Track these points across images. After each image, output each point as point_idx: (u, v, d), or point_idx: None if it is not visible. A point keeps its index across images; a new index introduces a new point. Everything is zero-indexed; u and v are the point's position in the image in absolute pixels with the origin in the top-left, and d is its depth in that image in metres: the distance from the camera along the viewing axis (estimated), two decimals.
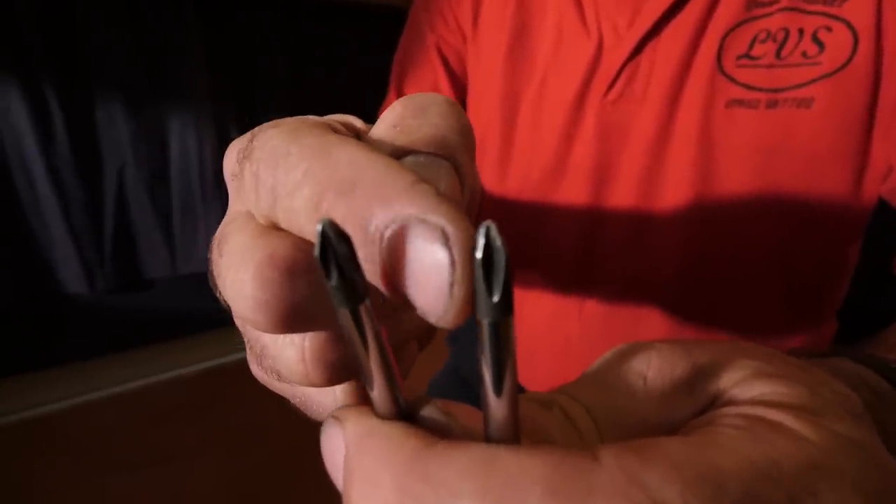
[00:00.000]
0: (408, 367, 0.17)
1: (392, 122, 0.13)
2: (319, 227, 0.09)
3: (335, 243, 0.09)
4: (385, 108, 0.55)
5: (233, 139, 0.14)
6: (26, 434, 0.81)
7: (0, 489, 0.79)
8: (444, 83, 0.52)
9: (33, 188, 0.84)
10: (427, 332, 0.18)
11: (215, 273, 0.13)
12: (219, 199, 0.97)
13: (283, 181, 0.12)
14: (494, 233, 0.09)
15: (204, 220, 0.96)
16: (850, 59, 0.35)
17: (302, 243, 0.12)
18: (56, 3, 0.82)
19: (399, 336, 0.14)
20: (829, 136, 0.36)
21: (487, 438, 0.11)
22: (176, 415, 0.93)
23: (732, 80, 0.38)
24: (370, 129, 0.15)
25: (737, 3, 0.38)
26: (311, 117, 0.14)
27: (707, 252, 0.42)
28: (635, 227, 0.44)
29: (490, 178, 0.50)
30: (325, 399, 0.15)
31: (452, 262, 0.10)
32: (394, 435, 0.11)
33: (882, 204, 0.39)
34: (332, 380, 0.13)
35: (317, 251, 0.09)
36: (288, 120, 0.13)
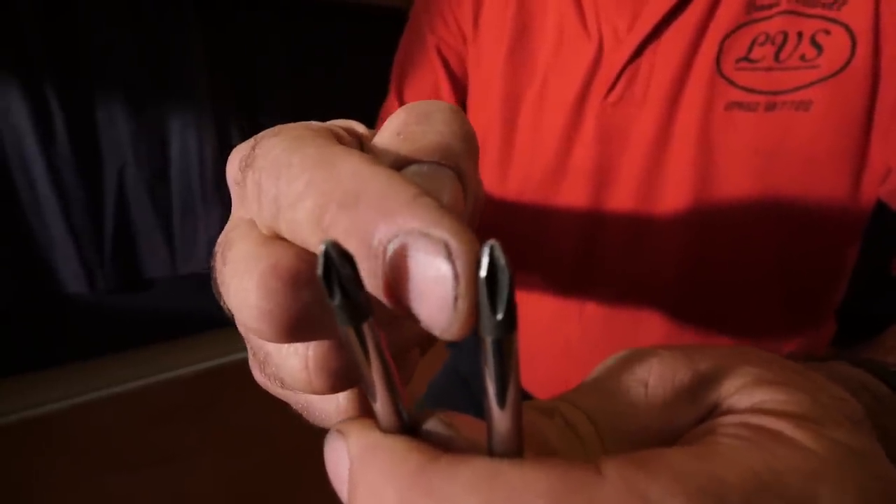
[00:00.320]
0: (410, 374, 0.17)
1: (396, 129, 0.13)
2: (323, 248, 0.10)
3: (338, 263, 0.10)
4: (385, 110, 0.56)
5: (233, 139, 0.14)
6: (26, 434, 0.81)
7: (0, 489, 0.79)
8: (444, 85, 0.52)
9: (34, 188, 0.84)
10: (429, 338, 0.17)
11: (218, 281, 0.13)
12: (219, 199, 0.97)
13: (285, 192, 0.12)
14: (498, 252, 0.09)
15: (204, 220, 0.96)
16: (848, 62, 0.35)
17: (305, 254, 0.12)
18: (57, 3, 0.82)
19: (401, 343, 0.14)
20: (827, 139, 0.36)
21: (491, 450, 0.11)
22: (176, 415, 0.93)
23: (731, 82, 0.38)
24: (373, 134, 0.15)
25: (736, 6, 0.38)
26: (314, 123, 0.14)
27: (706, 254, 0.42)
28: (635, 229, 0.44)
29: (490, 179, 0.50)
30: (327, 406, 0.15)
31: (456, 276, 0.10)
32: (397, 449, 0.11)
33: (880, 206, 0.40)
34: (335, 387, 0.13)
35: (320, 271, 0.10)
36: (290, 126, 0.13)
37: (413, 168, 0.12)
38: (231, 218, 0.15)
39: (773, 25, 0.37)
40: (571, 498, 0.09)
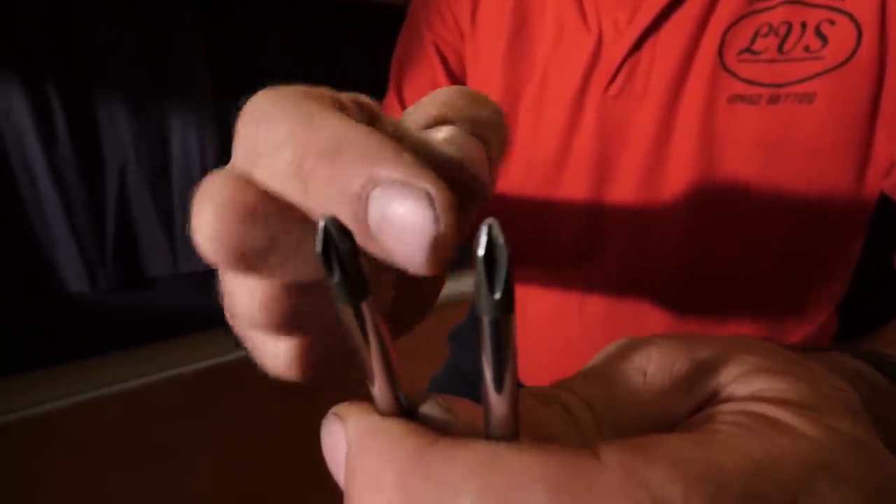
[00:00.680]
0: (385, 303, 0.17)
1: (444, 98, 0.14)
2: (322, 224, 0.09)
3: (337, 239, 0.09)
4: (385, 106, 0.56)
5: (233, 139, 0.15)
6: (27, 432, 0.81)
7: (1, 487, 0.79)
8: (442, 81, 0.52)
9: (35, 187, 0.84)
10: (419, 308, 0.18)
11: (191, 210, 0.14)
12: None
13: (264, 140, 0.12)
14: (497, 231, 0.09)
15: None
16: (853, 54, 0.34)
17: (269, 198, 0.12)
18: (58, 2, 0.83)
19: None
20: (831, 132, 0.36)
21: (488, 435, 0.11)
22: (177, 413, 0.93)
23: (734, 75, 0.38)
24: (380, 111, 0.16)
25: None
26: (318, 89, 0.14)
27: (708, 248, 0.42)
28: (636, 223, 0.44)
29: None
30: (269, 349, 0.15)
31: (436, 219, 0.10)
32: (395, 432, 0.11)
33: (884, 199, 0.39)
34: (278, 328, 0.13)
35: (319, 247, 0.09)
36: (288, 87, 0.14)
37: (447, 128, 0.13)
38: None
39: (777, 16, 0.36)
40: (570, 483, 0.09)
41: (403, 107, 0.54)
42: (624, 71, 0.41)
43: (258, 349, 0.15)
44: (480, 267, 0.09)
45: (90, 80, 0.87)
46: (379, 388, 0.12)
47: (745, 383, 0.13)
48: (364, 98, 0.16)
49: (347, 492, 0.11)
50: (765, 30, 0.37)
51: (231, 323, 0.16)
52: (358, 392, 0.14)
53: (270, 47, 1.02)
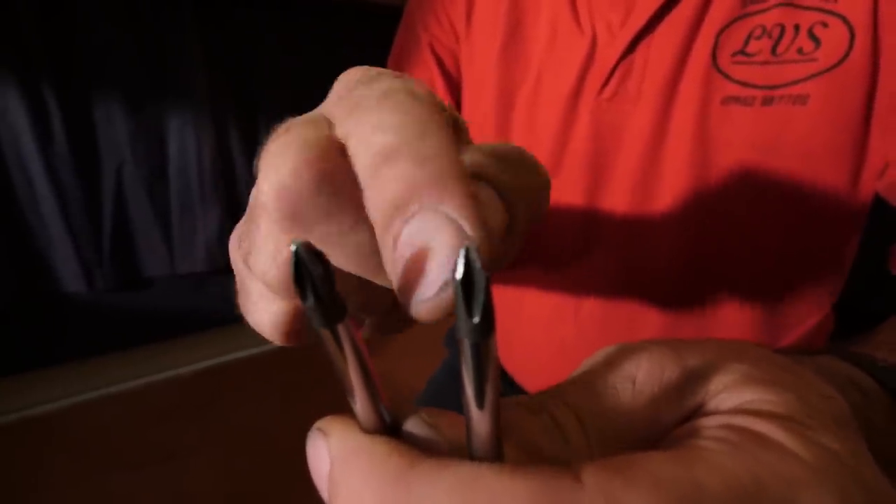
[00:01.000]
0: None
1: (492, 154, 0.15)
2: (293, 248, 0.09)
3: (310, 264, 0.09)
4: None
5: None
6: (25, 433, 0.81)
7: (0, 487, 0.79)
8: (438, 82, 0.52)
9: (32, 187, 0.84)
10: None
11: (264, 152, 0.14)
12: (217, 198, 0.97)
13: (375, 118, 0.12)
14: (474, 255, 0.09)
15: (202, 219, 0.96)
16: (846, 55, 0.34)
17: (345, 173, 0.12)
18: (55, 2, 0.83)
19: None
20: (825, 133, 0.36)
21: (470, 452, 0.11)
22: (175, 413, 0.93)
23: (728, 77, 0.38)
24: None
25: None
26: (434, 94, 0.14)
27: (703, 250, 0.42)
28: (632, 225, 0.44)
29: None
30: (264, 304, 0.16)
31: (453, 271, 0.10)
32: (377, 452, 0.11)
33: (878, 201, 0.39)
34: (283, 291, 0.14)
35: (291, 272, 0.09)
36: (408, 78, 0.14)
37: (483, 188, 0.13)
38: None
39: (770, 18, 0.36)
40: None
41: None
42: (618, 73, 0.41)
43: (253, 302, 0.16)
44: (459, 291, 0.09)
45: (87, 79, 0.87)
46: (360, 406, 0.12)
47: (733, 393, 0.13)
48: (461, 119, 0.16)
49: None
50: (758, 32, 0.37)
51: (236, 267, 0.16)
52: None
53: (267, 47, 1.02)
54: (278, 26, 1.02)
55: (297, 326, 0.16)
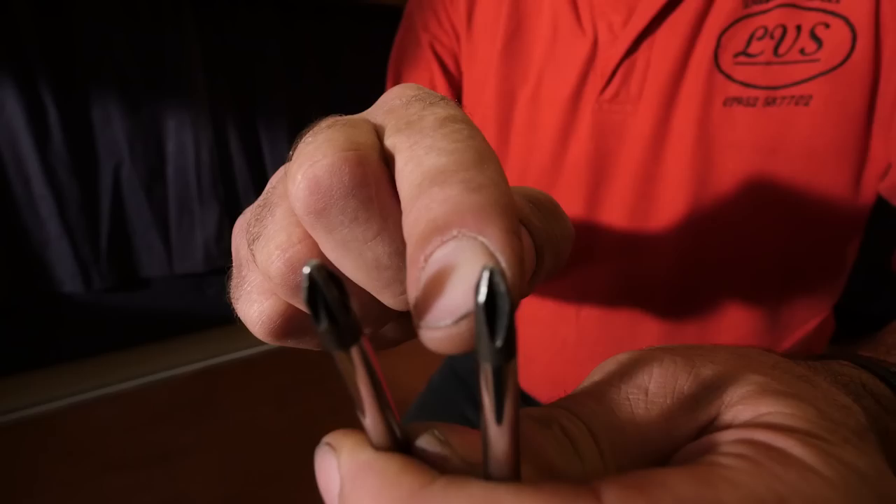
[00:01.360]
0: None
1: (524, 199, 0.15)
2: (307, 271, 0.09)
3: (324, 287, 0.09)
4: None
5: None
6: (21, 433, 0.81)
7: None
8: (439, 82, 0.52)
9: (28, 187, 0.83)
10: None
11: (301, 140, 0.14)
12: (215, 198, 0.97)
13: (429, 141, 0.12)
14: (498, 278, 0.09)
15: (200, 220, 0.96)
16: (848, 56, 0.34)
17: (386, 173, 0.12)
18: (52, 2, 0.82)
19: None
20: (827, 134, 0.36)
21: (486, 468, 0.11)
22: (172, 414, 0.93)
23: (730, 77, 0.38)
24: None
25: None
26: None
27: (705, 251, 0.42)
28: (633, 226, 0.43)
29: None
30: (256, 296, 0.15)
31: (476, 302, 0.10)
32: (389, 470, 0.11)
33: (880, 202, 0.39)
34: (281, 286, 0.14)
35: (305, 295, 0.09)
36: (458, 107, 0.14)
37: None
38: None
39: (772, 19, 0.36)
40: None
41: None
42: (619, 74, 0.41)
43: (247, 291, 0.15)
44: (481, 314, 0.09)
45: (85, 79, 0.86)
46: (371, 422, 0.11)
47: (750, 406, 0.13)
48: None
49: None
50: (760, 32, 0.37)
51: (237, 251, 0.16)
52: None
53: (266, 47, 1.01)
54: (277, 26, 1.01)
55: (284, 326, 0.15)
